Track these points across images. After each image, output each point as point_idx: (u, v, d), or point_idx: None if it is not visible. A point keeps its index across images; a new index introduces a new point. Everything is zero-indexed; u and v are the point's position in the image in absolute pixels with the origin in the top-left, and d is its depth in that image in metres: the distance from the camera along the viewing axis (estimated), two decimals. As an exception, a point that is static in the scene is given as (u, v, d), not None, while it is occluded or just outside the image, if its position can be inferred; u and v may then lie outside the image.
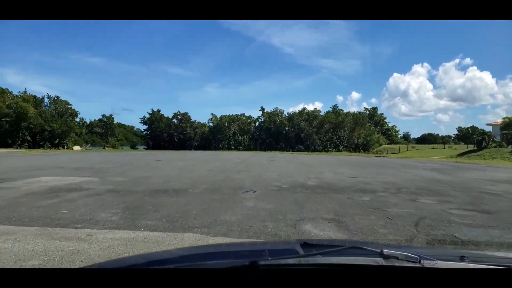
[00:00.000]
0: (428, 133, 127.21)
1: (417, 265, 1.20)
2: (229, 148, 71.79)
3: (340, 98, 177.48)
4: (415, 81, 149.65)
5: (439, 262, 1.25)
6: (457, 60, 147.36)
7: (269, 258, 1.29)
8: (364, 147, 73.88)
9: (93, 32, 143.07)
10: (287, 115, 77.27)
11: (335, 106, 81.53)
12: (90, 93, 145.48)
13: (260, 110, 78.78)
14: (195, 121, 77.56)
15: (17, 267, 3.46)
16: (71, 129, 64.81)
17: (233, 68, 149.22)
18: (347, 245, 1.55)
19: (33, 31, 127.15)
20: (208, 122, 79.04)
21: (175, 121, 76.77)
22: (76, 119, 70.73)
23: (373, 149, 73.78)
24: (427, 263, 1.22)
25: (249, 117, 79.01)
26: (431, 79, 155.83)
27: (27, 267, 3.47)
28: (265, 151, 68.83)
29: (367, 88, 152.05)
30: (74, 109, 69.63)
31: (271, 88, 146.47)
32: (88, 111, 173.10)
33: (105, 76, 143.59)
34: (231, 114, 77.86)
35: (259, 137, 76.43)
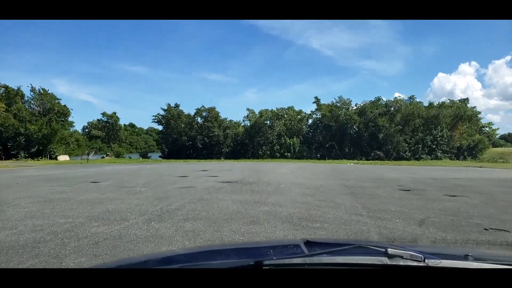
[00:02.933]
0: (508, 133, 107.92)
1: (421, 264, 1.24)
2: (272, 155, 52.55)
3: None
4: (462, 80, 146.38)
5: (443, 261, 1.28)
6: (508, 57, 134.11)
7: (274, 258, 1.30)
8: (470, 152, 52.44)
9: (135, 42, 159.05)
10: (354, 107, 57.07)
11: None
12: (134, 100, 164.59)
13: (314, 103, 59.04)
14: (225, 119, 59.01)
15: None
16: (56, 132, 47.97)
17: (271, 72, 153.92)
18: (351, 244, 1.54)
19: (79, 43, 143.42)
20: (243, 121, 60.28)
21: (199, 119, 58.63)
22: (68, 119, 54.02)
23: (481, 154, 52.25)
24: (432, 262, 1.25)
25: (300, 112, 59.38)
26: (480, 78, 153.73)
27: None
28: (325, 159, 49.13)
29: (410, 88, 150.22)
30: (66, 106, 53.06)
31: (310, 91, 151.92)
32: (132, 118, 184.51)
33: (147, 84, 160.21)
34: (275, 109, 58.55)
35: (313, 139, 56.72)
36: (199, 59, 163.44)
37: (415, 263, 1.24)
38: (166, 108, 58.64)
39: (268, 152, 54.15)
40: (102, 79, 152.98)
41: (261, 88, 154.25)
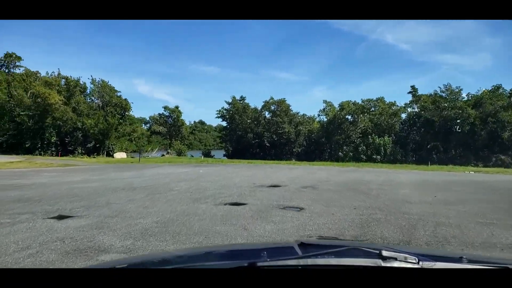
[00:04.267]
0: None
1: (416, 266, 1.26)
2: (357, 158, 43.02)
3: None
4: None
5: (437, 263, 1.32)
6: None
7: (268, 259, 1.36)
8: None
9: (208, 43, 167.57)
10: (465, 97, 44.80)
11: None
12: (205, 99, 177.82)
13: (410, 93, 47.87)
14: (297, 113, 50.94)
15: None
16: (112, 127, 44.51)
17: (341, 69, 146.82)
18: (345, 246, 1.59)
19: (157, 45, 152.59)
20: (318, 116, 51.57)
21: (267, 114, 51.38)
22: (128, 113, 50.73)
23: None
24: (426, 264, 1.28)
25: (392, 104, 48.66)
26: None
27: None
28: (427, 164, 38.18)
29: (500, 83, 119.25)
30: (126, 99, 49.65)
31: (382, 88, 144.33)
32: (203, 117, 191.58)
33: (218, 83, 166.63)
34: (361, 101, 48.81)
35: (409, 138, 45.77)
36: (268, 58, 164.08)
37: (409, 265, 1.26)
38: (230, 101, 52.49)
39: (351, 154, 44.76)
40: (177, 79, 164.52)
41: (331, 85, 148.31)
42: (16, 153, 42.24)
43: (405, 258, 1.27)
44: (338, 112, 47.79)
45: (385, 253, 1.28)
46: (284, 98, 50.78)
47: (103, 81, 48.17)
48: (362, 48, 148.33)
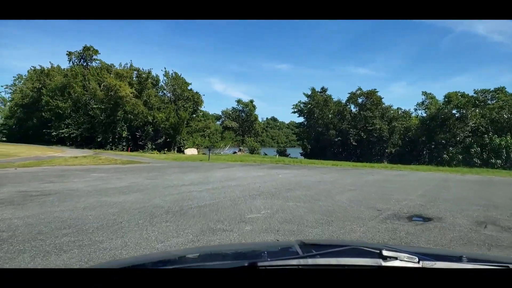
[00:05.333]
0: None
1: (416, 265, 1.27)
2: (468, 162, 34.72)
3: None
4: None
5: (438, 262, 1.32)
6: None
7: (268, 259, 1.36)
8: None
9: (281, 41, 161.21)
10: None
11: None
12: (278, 97, 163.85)
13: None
14: (389, 106, 43.59)
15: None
16: (183, 121, 41.90)
17: (422, 64, 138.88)
18: (346, 245, 1.59)
19: (229, 44, 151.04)
20: (416, 109, 43.67)
21: (353, 108, 44.87)
22: (200, 107, 48.00)
23: None
24: (426, 264, 1.29)
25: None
26: None
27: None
28: None
29: None
30: (198, 92, 46.90)
31: (470, 84, 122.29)
32: (275, 114, 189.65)
33: (291, 81, 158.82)
34: (473, 92, 40.03)
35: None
36: (342, 54, 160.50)
37: (410, 265, 1.27)
38: (309, 93, 46.93)
39: (460, 157, 36.50)
40: (251, 77, 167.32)
41: (411, 81, 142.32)
42: (89, 147, 41.83)
43: (406, 257, 1.27)
44: (443, 106, 39.60)
45: (385, 252, 1.28)
46: (375, 89, 43.81)
47: (175, 73, 45.99)
48: (447, 40, 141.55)
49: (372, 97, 42.90)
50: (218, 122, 55.69)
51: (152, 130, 42.32)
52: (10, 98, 54.76)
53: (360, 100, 44.14)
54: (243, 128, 51.05)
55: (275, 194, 10.63)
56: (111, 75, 42.98)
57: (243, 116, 51.29)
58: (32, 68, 52.30)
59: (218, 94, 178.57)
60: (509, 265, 1.42)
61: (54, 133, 44.04)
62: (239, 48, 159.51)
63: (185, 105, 44.77)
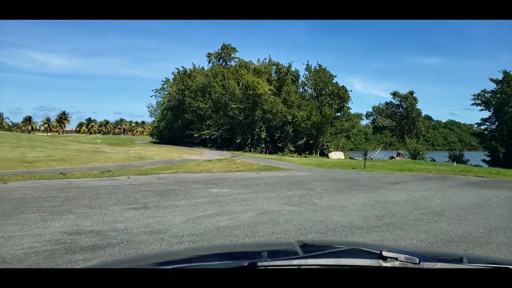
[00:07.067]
0: None
1: (416, 266, 1.28)
2: None
3: None
4: None
5: (438, 263, 1.33)
6: None
7: (268, 259, 1.35)
8: None
9: (428, 32, 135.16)
10: None
11: None
12: (426, 94, 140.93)
13: None
14: None
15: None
16: (327, 120, 35.75)
17: None
18: (346, 246, 1.59)
19: (372, 41, 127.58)
20: None
21: None
22: (347, 104, 41.00)
23: None
24: (427, 265, 1.30)
25: None
26: None
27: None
28: None
29: None
30: (344, 86, 40.09)
31: None
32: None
33: (442, 76, 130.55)
34: None
35: None
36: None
37: (410, 265, 1.27)
38: (500, 78, 34.58)
39: None
40: (393, 74, 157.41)
41: None
42: (228, 149, 39.73)
43: (406, 258, 1.28)
44: None
45: (385, 253, 1.28)
46: None
47: (319, 65, 40.15)
48: None
49: None
50: (365, 121, 48.08)
51: (292, 131, 37.47)
52: (162, 102, 58.38)
53: None
54: (401, 127, 41.62)
55: None
56: (249, 72, 39.99)
57: (400, 112, 41.84)
58: (176, 70, 54.47)
59: (358, 93, 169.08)
60: (508, 265, 1.43)
61: (196, 134, 43.88)
62: (383, 44, 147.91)
63: (330, 102, 38.46)
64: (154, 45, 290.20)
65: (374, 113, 44.25)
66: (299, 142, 36.96)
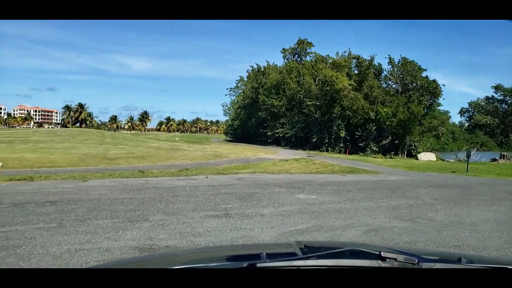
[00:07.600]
0: None
1: (415, 266, 1.28)
2: None
3: None
4: None
5: (437, 263, 1.35)
6: None
7: (268, 260, 1.35)
8: None
9: None
10: None
11: None
12: None
13: None
14: None
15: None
16: (416, 118, 32.22)
17: None
18: (345, 247, 1.59)
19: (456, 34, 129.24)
20: None
21: None
22: (437, 100, 36.70)
23: None
24: (426, 265, 1.30)
25: None
26: None
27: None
28: None
29: None
30: (435, 80, 35.90)
31: None
32: None
33: None
34: None
35: None
36: None
37: (409, 266, 1.28)
38: None
39: None
40: (480, 67, 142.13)
41: None
42: (303, 148, 37.99)
43: (405, 259, 1.28)
44: None
45: (384, 253, 1.29)
46: None
47: (404, 59, 36.34)
48: None
49: None
50: (457, 119, 43.11)
51: (375, 129, 34.45)
52: (236, 101, 58.54)
53: None
54: (505, 125, 36.11)
55: None
56: (327, 66, 37.72)
57: (504, 108, 36.30)
58: (250, 67, 53.99)
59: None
60: (508, 265, 1.45)
61: (270, 133, 42.96)
62: (468, 35, 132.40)
63: (419, 97, 34.63)
64: (230, 46, 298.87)
65: (470, 109, 39.03)
66: (383, 142, 33.85)
